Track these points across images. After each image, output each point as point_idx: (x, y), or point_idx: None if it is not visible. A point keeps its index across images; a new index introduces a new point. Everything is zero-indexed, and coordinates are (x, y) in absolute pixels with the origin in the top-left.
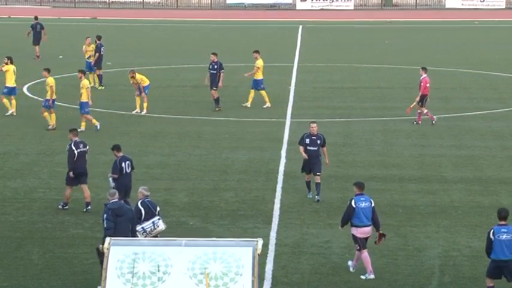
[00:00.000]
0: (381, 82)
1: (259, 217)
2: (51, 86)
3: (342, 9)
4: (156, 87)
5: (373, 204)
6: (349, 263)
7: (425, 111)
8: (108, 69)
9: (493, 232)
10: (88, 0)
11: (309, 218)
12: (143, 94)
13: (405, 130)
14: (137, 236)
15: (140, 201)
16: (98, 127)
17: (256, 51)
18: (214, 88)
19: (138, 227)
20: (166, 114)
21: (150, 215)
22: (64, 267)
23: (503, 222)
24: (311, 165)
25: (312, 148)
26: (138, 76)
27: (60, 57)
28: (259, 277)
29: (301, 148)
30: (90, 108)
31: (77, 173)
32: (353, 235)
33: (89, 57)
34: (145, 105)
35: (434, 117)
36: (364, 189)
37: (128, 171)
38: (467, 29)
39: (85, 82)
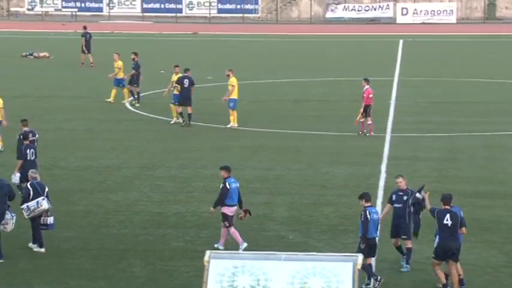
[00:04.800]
0: (485, 96)
1: None
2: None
3: (443, 22)
4: (255, 101)
5: (238, 185)
6: (216, 245)
7: (370, 122)
8: (208, 84)
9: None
10: (189, 15)
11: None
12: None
13: (510, 145)
14: (8, 208)
15: (29, 182)
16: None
17: (117, 53)
18: (135, 85)
19: (24, 205)
20: (265, 128)
21: (37, 195)
22: (165, 279)
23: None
24: (396, 226)
25: (397, 205)
26: (233, 79)
27: (162, 72)
28: None
29: (387, 207)
30: (193, 122)
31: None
32: (224, 214)
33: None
34: (231, 118)
35: (372, 132)
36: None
37: (32, 158)
38: None
39: None
